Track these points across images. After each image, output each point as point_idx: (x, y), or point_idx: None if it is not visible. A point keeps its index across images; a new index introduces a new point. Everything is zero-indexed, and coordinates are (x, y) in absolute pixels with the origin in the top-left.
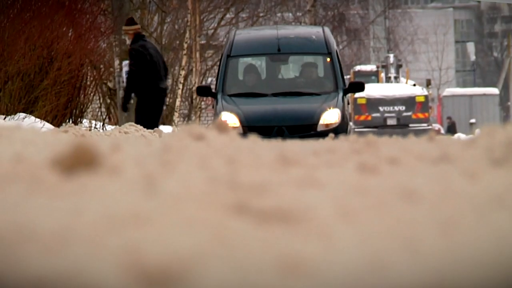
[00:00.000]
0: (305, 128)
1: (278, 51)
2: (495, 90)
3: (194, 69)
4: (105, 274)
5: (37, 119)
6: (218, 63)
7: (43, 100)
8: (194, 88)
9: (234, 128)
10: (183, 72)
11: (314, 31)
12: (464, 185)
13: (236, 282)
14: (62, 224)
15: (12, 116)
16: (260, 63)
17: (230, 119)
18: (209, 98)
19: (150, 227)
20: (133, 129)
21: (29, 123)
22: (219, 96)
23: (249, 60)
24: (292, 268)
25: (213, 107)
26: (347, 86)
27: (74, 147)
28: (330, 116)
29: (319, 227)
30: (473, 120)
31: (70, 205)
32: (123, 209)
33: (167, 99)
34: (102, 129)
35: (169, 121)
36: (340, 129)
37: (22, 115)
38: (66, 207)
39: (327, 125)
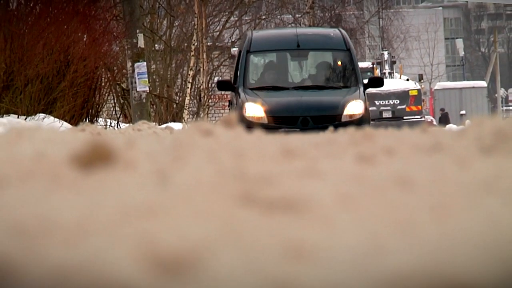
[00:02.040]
0: (329, 118)
1: (298, 47)
2: (483, 83)
3: (201, 69)
4: (122, 263)
5: (56, 119)
6: (224, 63)
7: (61, 101)
8: (202, 87)
9: (259, 118)
10: (191, 72)
11: (331, 30)
12: (455, 172)
13: (244, 267)
14: (81, 217)
15: (33, 116)
16: (279, 58)
17: (255, 109)
18: (216, 96)
19: (163, 217)
20: (146, 127)
21: (49, 123)
22: (240, 90)
23: (268, 55)
24: (297, 253)
25: (229, 103)
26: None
27: (91, 145)
28: (354, 107)
29: (321, 214)
30: (463, 112)
31: (88, 199)
32: (138, 201)
33: (177, 98)
34: (117, 127)
35: (179, 118)
36: (363, 121)
37: (42, 115)
38: (85, 201)
39: (351, 115)
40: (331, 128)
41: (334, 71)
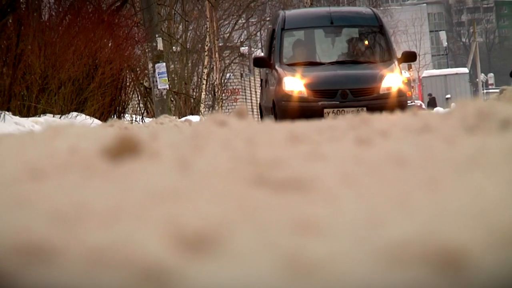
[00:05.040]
0: (368, 91)
1: (331, 24)
2: (465, 70)
3: (214, 67)
4: (150, 242)
5: (87, 117)
6: (234, 60)
7: (91, 100)
8: (215, 83)
9: (298, 92)
10: (206, 70)
11: (362, 8)
12: (444, 150)
13: (258, 242)
14: (113, 203)
15: (66, 115)
16: (314, 35)
17: (294, 83)
18: (229, 90)
19: (186, 200)
20: (167, 120)
21: (81, 120)
22: (277, 66)
23: (303, 32)
24: (305, 227)
25: (261, 82)
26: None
27: (119, 138)
28: (392, 80)
29: (326, 192)
30: (448, 96)
31: (119, 186)
32: (162, 187)
33: (194, 93)
34: (141, 121)
35: (196, 112)
36: (400, 93)
37: (75, 113)
38: (116, 188)
39: (388, 88)
40: (368, 102)
41: (368, 47)
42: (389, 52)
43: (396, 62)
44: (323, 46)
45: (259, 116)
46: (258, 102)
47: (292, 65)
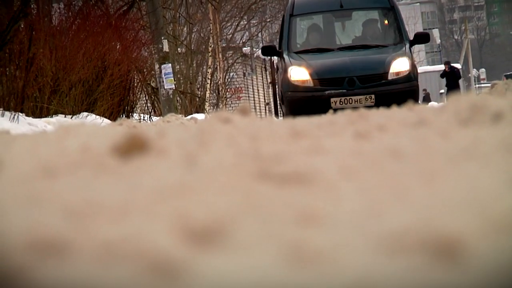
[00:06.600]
0: (376, 77)
1: (341, 7)
2: (458, 66)
3: (218, 67)
4: (160, 235)
5: (97, 116)
6: (237, 60)
7: (101, 100)
8: (219, 82)
9: (304, 81)
10: (210, 70)
11: None
12: (439, 142)
13: (264, 234)
14: (123, 198)
15: (77, 115)
16: (323, 20)
17: (300, 73)
18: (232, 89)
19: (193, 195)
20: (174, 119)
21: (91, 120)
22: (284, 54)
23: (312, 18)
24: (308, 219)
25: (276, 68)
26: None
27: (128, 136)
28: (400, 65)
29: (327, 185)
30: (442, 91)
31: (128, 182)
32: (170, 182)
33: (199, 92)
34: (149, 120)
35: (202, 110)
36: (410, 77)
37: (85, 114)
38: (125, 184)
39: (397, 73)
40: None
41: (379, 29)
42: (400, 34)
43: (407, 45)
44: (333, 31)
45: (275, 106)
46: (278, 89)
47: (299, 53)
